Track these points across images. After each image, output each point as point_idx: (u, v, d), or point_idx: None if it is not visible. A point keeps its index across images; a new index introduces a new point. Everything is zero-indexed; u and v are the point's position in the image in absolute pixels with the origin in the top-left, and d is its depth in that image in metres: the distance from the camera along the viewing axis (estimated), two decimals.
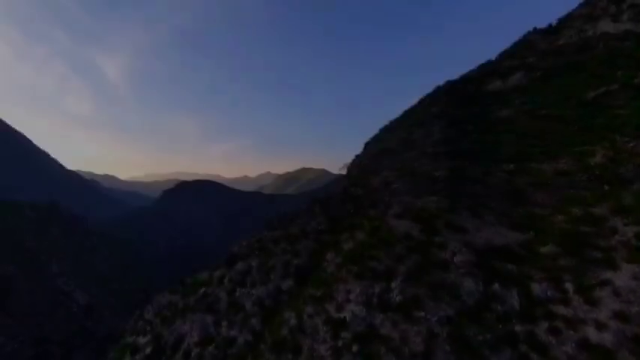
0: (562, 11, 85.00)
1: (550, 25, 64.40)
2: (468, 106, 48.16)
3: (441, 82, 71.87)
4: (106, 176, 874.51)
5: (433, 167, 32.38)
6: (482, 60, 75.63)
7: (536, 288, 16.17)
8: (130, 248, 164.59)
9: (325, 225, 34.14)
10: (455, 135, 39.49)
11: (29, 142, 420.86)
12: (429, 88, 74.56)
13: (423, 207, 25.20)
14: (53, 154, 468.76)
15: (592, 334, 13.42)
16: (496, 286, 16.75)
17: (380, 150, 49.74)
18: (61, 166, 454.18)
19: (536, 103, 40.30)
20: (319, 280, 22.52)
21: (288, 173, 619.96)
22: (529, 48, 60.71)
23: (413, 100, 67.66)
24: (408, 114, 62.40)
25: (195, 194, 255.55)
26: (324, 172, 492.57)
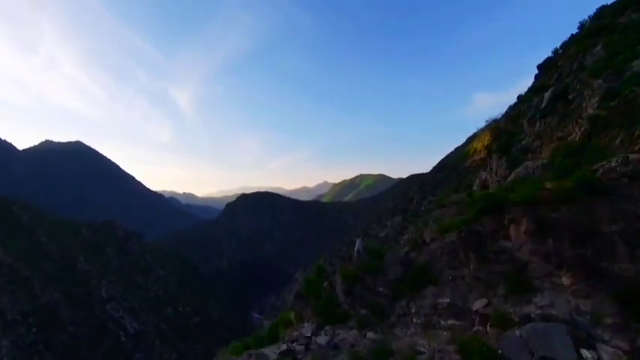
0: None
1: None
2: None
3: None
4: (185, 194, 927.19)
5: None
6: None
7: None
8: (189, 264, 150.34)
9: None
10: None
11: (117, 167, 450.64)
12: None
13: None
14: (139, 178, 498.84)
15: None
16: None
17: None
18: (145, 188, 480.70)
19: None
20: None
21: (345, 181, 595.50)
22: None
23: None
24: None
25: (255, 206, 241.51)
26: (382, 178, 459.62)
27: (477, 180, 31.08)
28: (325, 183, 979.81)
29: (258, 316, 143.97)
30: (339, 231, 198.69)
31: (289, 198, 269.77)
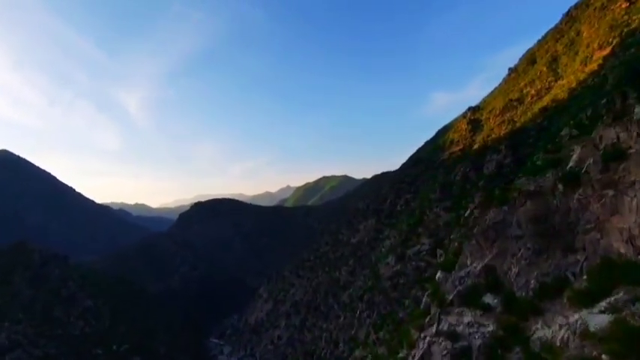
0: None
1: None
2: None
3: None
4: (137, 205, 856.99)
5: None
6: None
7: None
8: (132, 287, 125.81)
9: None
10: None
11: (54, 178, 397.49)
12: None
13: None
14: (80, 189, 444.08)
15: None
16: None
17: None
18: (87, 200, 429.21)
19: None
20: None
21: (308, 184, 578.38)
22: None
23: None
24: None
25: (212, 214, 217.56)
26: (346, 179, 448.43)
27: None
28: (288, 187, 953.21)
29: (217, 341, 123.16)
30: (305, 236, 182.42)
31: (250, 204, 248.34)
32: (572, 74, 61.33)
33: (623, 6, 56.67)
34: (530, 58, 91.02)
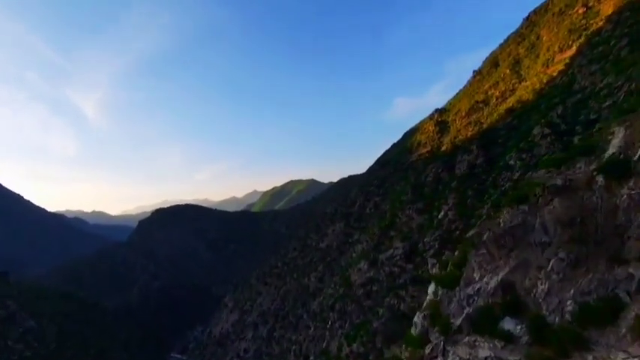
0: None
1: None
2: None
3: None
4: (95, 213, 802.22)
5: None
6: None
7: None
8: (84, 303, 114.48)
9: None
10: None
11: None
12: None
13: None
14: (29, 197, 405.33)
15: None
16: None
17: None
18: (38, 209, 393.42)
19: None
20: None
21: (276, 188, 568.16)
22: None
23: None
24: None
25: (174, 221, 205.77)
26: (313, 183, 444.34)
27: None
28: (255, 191, 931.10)
29: (179, 357, 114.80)
30: (273, 242, 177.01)
31: (215, 210, 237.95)
32: (535, 76, 63.09)
33: (580, 11, 59.29)
34: (493, 61, 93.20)
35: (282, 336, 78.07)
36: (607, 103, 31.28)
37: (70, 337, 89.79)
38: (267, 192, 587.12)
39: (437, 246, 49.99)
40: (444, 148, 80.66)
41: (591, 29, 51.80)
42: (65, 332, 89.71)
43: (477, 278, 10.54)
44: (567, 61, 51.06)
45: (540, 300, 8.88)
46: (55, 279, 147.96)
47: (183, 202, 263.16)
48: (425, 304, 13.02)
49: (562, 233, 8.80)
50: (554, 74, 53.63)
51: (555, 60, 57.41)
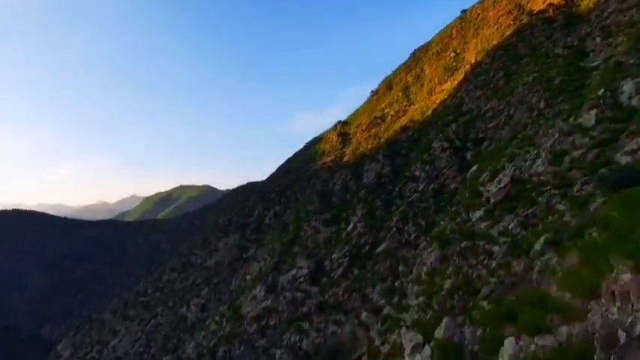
0: None
1: None
2: None
3: None
4: None
5: None
6: None
7: None
8: None
9: None
10: None
11: None
12: None
13: None
14: None
15: None
16: None
17: None
18: None
19: None
20: None
21: (160, 193, 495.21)
22: None
23: None
24: None
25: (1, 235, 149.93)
26: (208, 189, 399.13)
27: None
28: (134, 197, 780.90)
29: None
30: (148, 259, 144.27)
31: (64, 218, 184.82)
32: (422, 101, 74.61)
33: (452, 55, 77.32)
34: (387, 84, 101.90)
35: None
36: (492, 124, 37.44)
37: None
38: (149, 198, 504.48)
39: (346, 263, 43.98)
40: (346, 158, 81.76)
41: (461, 69, 66.63)
42: None
43: None
44: (446, 92, 63.44)
45: None
46: None
47: (19, 207, 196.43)
48: None
49: None
50: (437, 101, 64.54)
51: (436, 90, 71.58)
